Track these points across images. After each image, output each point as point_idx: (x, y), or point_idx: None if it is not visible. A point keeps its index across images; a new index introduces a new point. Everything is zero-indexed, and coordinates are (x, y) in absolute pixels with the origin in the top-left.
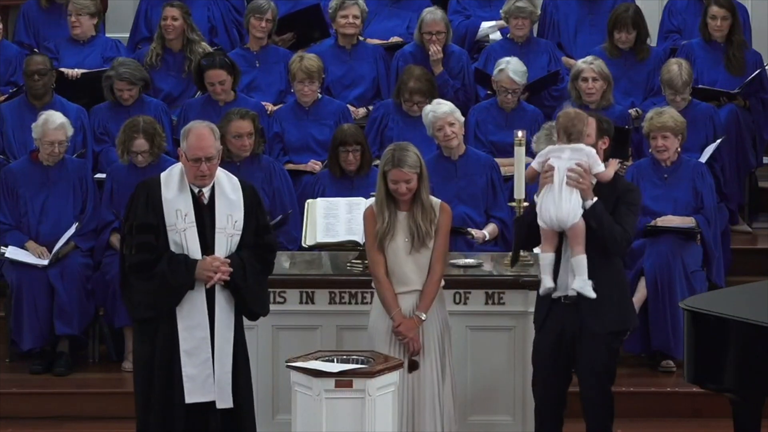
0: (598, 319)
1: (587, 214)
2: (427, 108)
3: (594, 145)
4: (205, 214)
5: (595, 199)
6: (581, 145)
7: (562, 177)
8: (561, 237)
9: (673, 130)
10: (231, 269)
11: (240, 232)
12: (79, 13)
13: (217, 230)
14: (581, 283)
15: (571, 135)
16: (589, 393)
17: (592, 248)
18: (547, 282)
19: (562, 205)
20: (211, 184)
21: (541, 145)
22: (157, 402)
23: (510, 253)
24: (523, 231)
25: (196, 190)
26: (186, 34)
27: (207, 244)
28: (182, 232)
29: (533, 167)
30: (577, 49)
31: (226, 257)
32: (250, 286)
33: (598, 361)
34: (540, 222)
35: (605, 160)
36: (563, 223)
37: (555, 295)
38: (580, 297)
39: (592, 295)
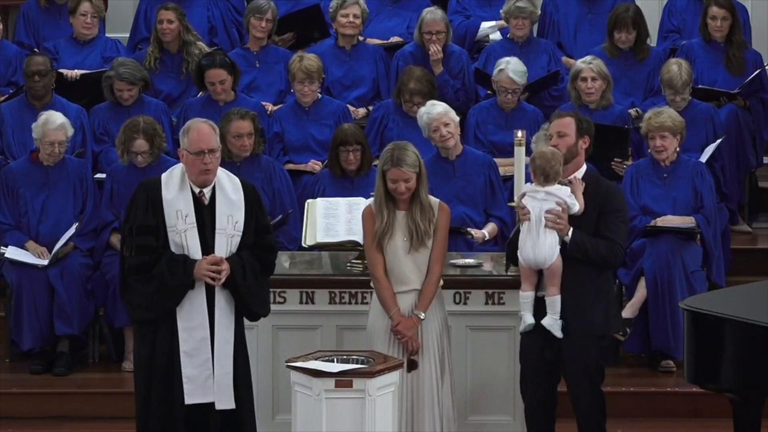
0: (582, 323)
1: (570, 250)
2: (422, 110)
3: (574, 145)
4: (205, 215)
5: (571, 230)
6: (556, 188)
7: (538, 218)
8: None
9: (672, 130)
10: (228, 268)
11: (240, 233)
12: (95, 15)
13: (217, 231)
14: (551, 322)
15: (548, 176)
16: (579, 392)
17: (583, 261)
18: (528, 319)
19: (540, 247)
20: (212, 185)
21: (539, 144)
22: (157, 403)
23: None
24: (513, 251)
25: (196, 191)
26: (182, 36)
27: (207, 244)
28: (182, 233)
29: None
30: (577, 49)
31: (226, 258)
32: (250, 286)
33: (586, 360)
34: (520, 260)
35: (587, 158)
36: (541, 264)
37: (538, 294)
38: (563, 300)
39: (559, 335)
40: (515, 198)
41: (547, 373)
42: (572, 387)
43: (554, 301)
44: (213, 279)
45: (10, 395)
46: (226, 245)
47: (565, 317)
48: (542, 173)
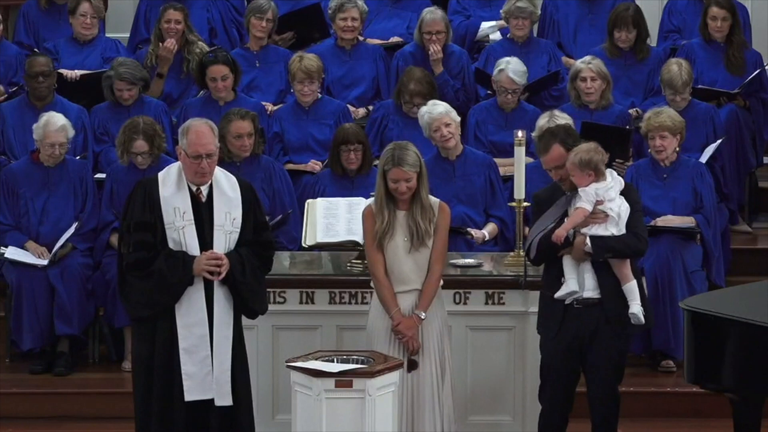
0: (620, 319)
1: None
2: (423, 110)
3: None
4: (203, 212)
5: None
6: (610, 173)
7: (618, 215)
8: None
9: (671, 130)
10: (228, 264)
11: (238, 230)
12: (95, 16)
13: (215, 227)
14: (637, 309)
15: (602, 164)
16: (598, 392)
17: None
18: (572, 285)
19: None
20: (209, 183)
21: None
22: (158, 401)
23: (510, 253)
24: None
25: (194, 188)
26: (185, 35)
27: (205, 241)
28: (180, 229)
29: (586, 209)
30: (577, 49)
31: (225, 254)
32: (249, 282)
33: (608, 360)
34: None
35: None
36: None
37: (567, 300)
38: (597, 300)
39: (643, 322)
40: (585, 205)
41: (569, 375)
42: (591, 387)
43: (632, 288)
44: (212, 273)
45: (10, 395)
46: (225, 242)
47: (595, 315)
48: (596, 169)
